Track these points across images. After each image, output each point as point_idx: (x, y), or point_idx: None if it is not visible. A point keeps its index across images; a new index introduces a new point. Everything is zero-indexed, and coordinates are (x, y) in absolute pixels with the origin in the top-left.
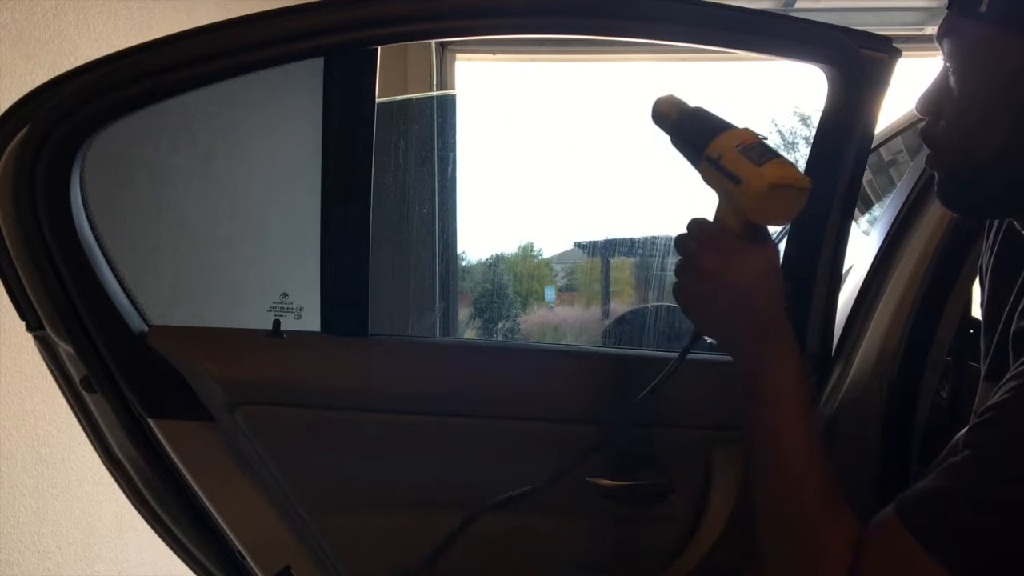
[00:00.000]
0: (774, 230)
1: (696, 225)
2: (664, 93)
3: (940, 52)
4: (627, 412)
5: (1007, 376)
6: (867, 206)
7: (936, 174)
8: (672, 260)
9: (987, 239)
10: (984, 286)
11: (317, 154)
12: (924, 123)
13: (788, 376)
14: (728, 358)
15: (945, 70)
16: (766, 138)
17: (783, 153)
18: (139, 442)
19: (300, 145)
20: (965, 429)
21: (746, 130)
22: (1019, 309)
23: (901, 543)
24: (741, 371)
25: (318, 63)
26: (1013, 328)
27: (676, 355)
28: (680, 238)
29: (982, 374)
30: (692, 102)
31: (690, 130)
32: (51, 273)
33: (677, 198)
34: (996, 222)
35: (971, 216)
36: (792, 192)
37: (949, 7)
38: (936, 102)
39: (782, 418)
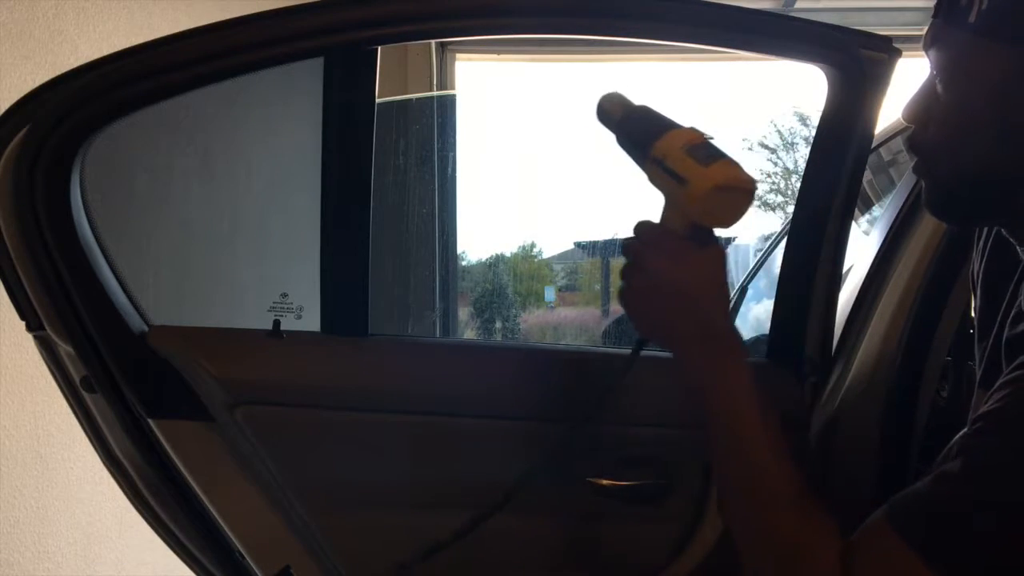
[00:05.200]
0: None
1: (642, 228)
2: (609, 91)
3: (927, 60)
4: (584, 414)
5: (997, 383)
6: (867, 206)
7: (923, 182)
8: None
9: (977, 245)
10: (976, 293)
11: (317, 154)
12: (910, 131)
13: (737, 380)
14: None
15: (931, 78)
16: (712, 138)
17: (730, 154)
18: (139, 442)
19: (300, 145)
20: (958, 436)
21: (692, 130)
22: (1011, 317)
23: (893, 548)
24: (689, 376)
25: (318, 63)
26: (1005, 336)
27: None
28: (627, 241)
29: (976, 381)
30: (638, 100)
31: (635, 130)
32: (51, 273)
33: None
34: (986, 228)
35: (959, 224)
36: (738, 194)
37: (935, 15)
38: (923, 110)
39: (738, 424)
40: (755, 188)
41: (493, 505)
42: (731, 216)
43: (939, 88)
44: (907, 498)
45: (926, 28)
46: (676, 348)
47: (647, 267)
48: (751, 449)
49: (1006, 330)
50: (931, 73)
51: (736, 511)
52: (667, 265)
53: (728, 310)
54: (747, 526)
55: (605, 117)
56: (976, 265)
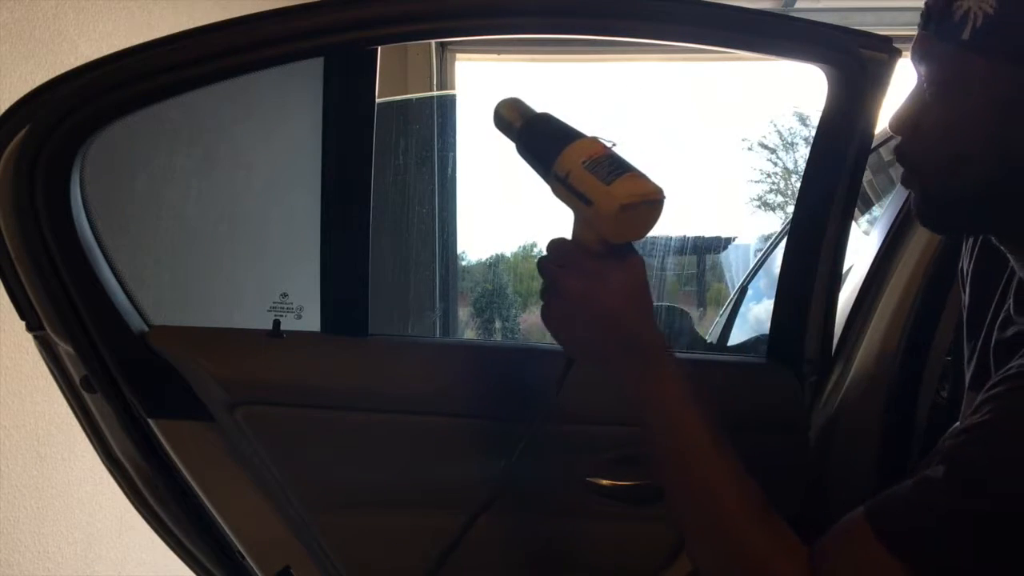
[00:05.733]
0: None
1: (556, 247)
2: (507, 96)
3: (915, 70)
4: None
5: (983, 396)
6: (867, 206)
7: (913, 193)
8: (670, 260)
9: (966, 242)
10: (965, 290)
11: (317, 154)
12: (899, 141)
13: (674, 391)
14: (729, 357)
15: (920, 88)
16: (615, 144)
17: (634, 165)
18: (139, 442)
19: (300, 145)
20: (943, 440)
21: (593, 141)
22: (999, 320)
23: (872, 551)
24: (626, 395)
25: (318, 63)
26: (994, 340)
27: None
28: (542, 261)
29: (967, 383)
30: (539, 107)
31: (535, 142)
32: (51, 273)
33: (678, 197)
34: None
35: (949, 235)
36: (646, 206)
37: (924, 27)
38: (914, 121)
39: (682, 436)
40: (663, 197)
41: (477, 509)
42: (643, 228)
43: (932, 101)
44: (889, 502)
45: (914, 39)
46: (605, 368)
47: (563, 291)
48: (698, 462)
49: (994, 334)
50: (919, 83)
51: (692, 534)
52: (583, 287)
53: (652, 320)
54: (706, 548)
55: (503, 126)
56: (965, 262)
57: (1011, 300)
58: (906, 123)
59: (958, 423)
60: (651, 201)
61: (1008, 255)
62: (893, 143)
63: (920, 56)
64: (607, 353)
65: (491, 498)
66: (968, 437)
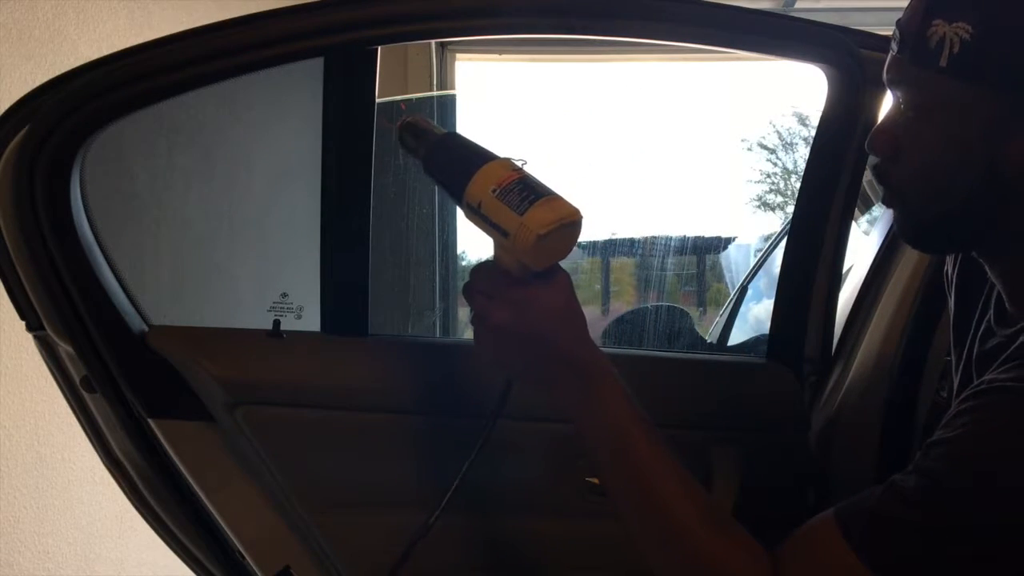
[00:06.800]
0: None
1: (480, 274)
2: (410, 116)
3: (892, 93)
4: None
5: (958, 407)
6: (867, 206)
7: (895, 213)
8: (670, 260)
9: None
10: (951, 296)
11: (317, 154)
12: (878, 162)
13: (617, 406)
14: (729, 357)
15: (898, 110)
16: (525, 162)
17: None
18: (139, 442)
19: (300, 145)
20: (921, 453)
21: (503, 164)
22: (980, 332)
23: (840, 556)
24: (570, 416)
25: (318, 63)
26: (976, 352)
27: (674, 356)
28: (467, 288)
29: (954, 390)
30: (445, 126)
31: (442, 168)
32: (51, 273)
33: (677, 197)
34: None
35: (932, 253)
36: (565, 229)
37: (899, 51)
38: (894, 143)
39: (629, 450)
40: (581, 217)
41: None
42: (564, 250)
43: (912, 124)
44: (860, 509)
45: (888, 61)
46: (544, 390)
47: (495, 321)
48: (648, 476)
49: (976, 345)
50: (896, 104)
51: (649, 546)
52: (511, 316)
53: (586, 335)
54: (664, 559)
55: (408, 146)
56: (950, 267)
57: (992, 311)
58: (886, 144)
59: (938, 431)
60: (569, 224)
61: (986, 268)
62: (872, 162)
63: (896, 80)
64: (545, 377)
65: (445, 498)
66: (941, 451)
